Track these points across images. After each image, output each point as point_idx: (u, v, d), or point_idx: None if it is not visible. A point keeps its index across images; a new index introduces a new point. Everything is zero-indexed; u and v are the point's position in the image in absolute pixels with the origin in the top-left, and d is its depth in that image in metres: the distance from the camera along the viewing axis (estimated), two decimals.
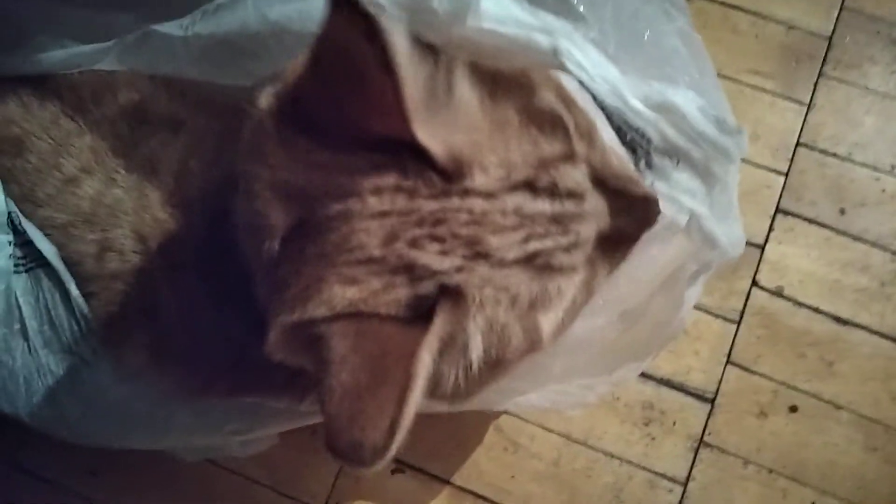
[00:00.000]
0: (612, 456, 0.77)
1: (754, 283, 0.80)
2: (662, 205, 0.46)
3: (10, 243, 0.54)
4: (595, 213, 0.40)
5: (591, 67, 0.42)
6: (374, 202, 0.36)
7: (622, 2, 0.64)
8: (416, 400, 0.33)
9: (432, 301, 0.36)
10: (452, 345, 0.37)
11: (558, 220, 0.38)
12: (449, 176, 0.36)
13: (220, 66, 0.52)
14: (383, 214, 0.36)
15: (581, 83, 0.42)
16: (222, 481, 0.76)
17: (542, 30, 0.42)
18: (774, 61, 0.86)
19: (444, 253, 0.37)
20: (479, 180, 0.37)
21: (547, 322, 0.40)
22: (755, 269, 0.80)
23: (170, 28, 0.50)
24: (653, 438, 0.77)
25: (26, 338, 0.54)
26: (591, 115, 0.42)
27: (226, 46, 0.50)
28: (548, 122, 0.39)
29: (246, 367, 0.48)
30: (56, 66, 0.55)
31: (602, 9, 0.64)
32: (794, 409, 0.77)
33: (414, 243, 0.36)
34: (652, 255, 0.57)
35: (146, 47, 0.51)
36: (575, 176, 0.39)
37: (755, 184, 0.84)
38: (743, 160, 0.80)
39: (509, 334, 0.39)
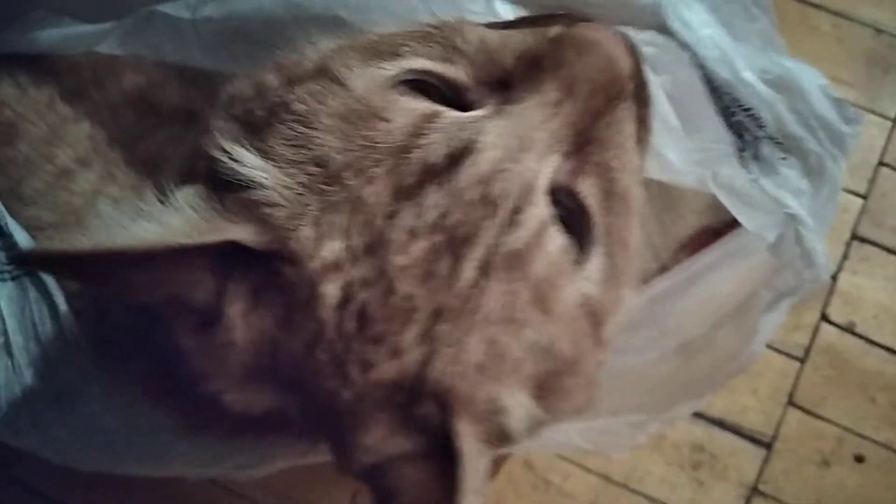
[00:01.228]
0: (655, 501, 0.70)
1: (823, 317, 0.73)
2: (746, 210, 0.39)
3: None
4: (516, 128, 0.32)
5: (699, 28, 0.35)
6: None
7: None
8: None
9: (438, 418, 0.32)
10: (490, 426, 0.33)
11: (470, 195, 0.32)
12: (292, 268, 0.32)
13: (233, 55, 0.46)
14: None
15: (686, 46, 0.34)
16: (225, 502, 0.70)
17: None
18: (857, 69, 0.78)
19: (395, 354, 0.32)
20: (325, 251, 0.32)
21: (566, 300, 0.33)
22: (825, 301, 0.73)
23: (176, 9, 0.44)
24: (701, 484, 0.70)
25: (10, 354, 0.48)
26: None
27: (239, 34, 0.44)
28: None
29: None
30: (53, 46, 0.49)
31: None
32: (860, 458, 0.70)
33: (364, 364, 0.32)
34: (719, 280, 0.50)
35: (150, 31, 0.45)
36: (446, 123, 0.33)
37: None
38: None
39: (534, 356, 0.33)
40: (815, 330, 0.73)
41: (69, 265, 0.33)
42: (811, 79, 0.36)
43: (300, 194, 0.32)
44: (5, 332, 0.48)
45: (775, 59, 0.36)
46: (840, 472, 0.70)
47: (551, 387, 0.34)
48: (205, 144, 0.36)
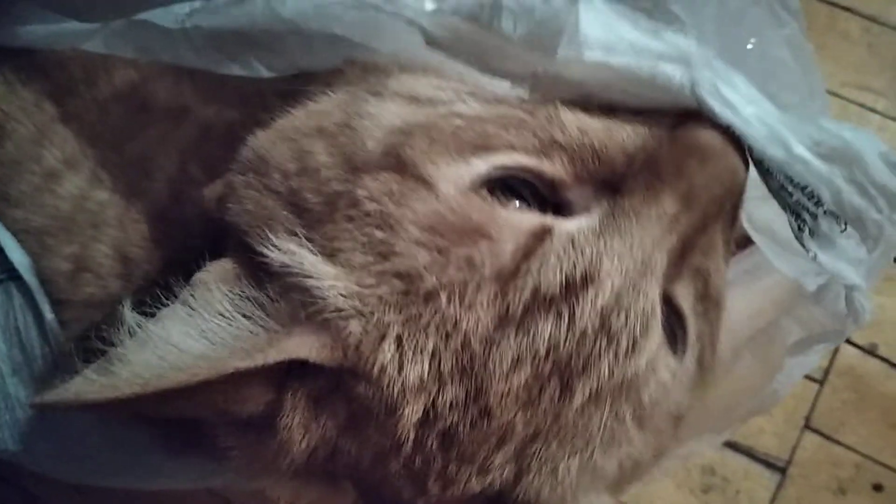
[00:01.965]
0: None
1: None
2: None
3: None
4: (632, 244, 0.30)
5: (742, 106, 0.30)
6: None
7: (726, 2, 0.53)
8: None
9: None
10: None
11: (589, 326, 0.29)
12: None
13: (228, 57, 0.43)
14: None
15: (729, 128, 0.31)
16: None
17: (671, 57, 0.31)
18: (888, 76, 0.75)
19: (483, 473, 0.30)
20: (410, 374, 0.29)
21: (662, 414, 0.32)
22: None
23: (163, 19, 0.41)
24: None
25: None
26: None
27: (234, 37, 0.41)
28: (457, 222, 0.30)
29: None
30: (37, 41, 0.47)
31: (703, 8, 0.53)
32: (878, 487, 0.68)
33: (447, 480, 0.30)
34: (734, 298, 0.47)
35: (138, 34, 0.43)
36: (559, 244, 0.30)
37: None
38: None
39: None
40: (836, 351, 0.70)
41: (115, 406, 0.30)
42: (869, 146, 0.32)
43: (380, 309, 0.29)
44: None
45: (829, 128, 0.33)
46: (857, 500, 0.68)
47: (630, 479, 0.34)
48: (233, 214, 0.32)
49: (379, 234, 0.29)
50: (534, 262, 0.29)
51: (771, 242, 0.36)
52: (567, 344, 0.29)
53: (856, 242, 0.32)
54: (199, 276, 0.31)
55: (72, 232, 0.44)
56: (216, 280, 0.30)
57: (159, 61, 0.48)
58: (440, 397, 0.29)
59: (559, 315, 0.29)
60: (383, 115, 0.32)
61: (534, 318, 0.28)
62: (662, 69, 0.30)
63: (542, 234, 0.29)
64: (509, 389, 0.29)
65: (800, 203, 0.31)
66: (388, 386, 0.29)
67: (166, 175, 0.45)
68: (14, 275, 0.46)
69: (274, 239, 0.30)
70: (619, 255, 0.29)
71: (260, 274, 0.30)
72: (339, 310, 0.29)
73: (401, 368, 0.29)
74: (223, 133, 0.44)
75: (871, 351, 0.70)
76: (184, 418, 0.40)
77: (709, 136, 0.31)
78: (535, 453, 0.29)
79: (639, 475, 0.33)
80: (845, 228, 0.31)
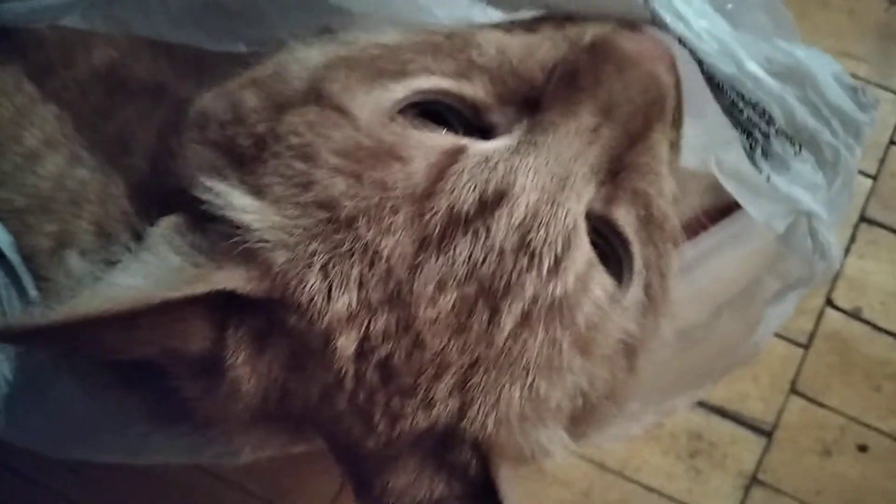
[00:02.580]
0: (651, 490, 0.69)
1: (828, 302, 0.71)
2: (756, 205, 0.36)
3: None
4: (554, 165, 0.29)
5: (694, 20, 0.31)
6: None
7: None
8: None
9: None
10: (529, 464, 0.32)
11: (507, 244, 0.29)
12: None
13: (206, 30, 0.43)
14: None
15: (681, 41, 0.31)
16: (212, 489, 0.69)
17: None
18: (869, 43, 0.75)
19: (427, 406, 0.30)
20: (338, 304, 0.29)
21: (607, 340, 0.32)
22: (830, 285, 0.71)
23: None
24: (698, 472, 0.69)
25: None
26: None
27: (211, 7, 0.41)
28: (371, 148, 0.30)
29: None
30: (16, 20, 0.47)
31: None
32: (863, 448, 0.68)
33: (392, 415, 0.31)
34: (720, 264, 0.48)
35: (116, 5, 0.43)
36: (473, 163, 0.30)
37: None
38: None
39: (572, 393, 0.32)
40: (820, 315, 0.70)
41: (44, 336, 0.30)
42: (823, 66, 0.32)
43: (303, 239, 0.29)
44: None
45: (782, 47, 0.33)
46: (842, 461, 0.68)
47: (586, 417, 0.33)
48: (179, 171, 0.33)
49: (300, 165, 0.30)
50: (447, 183, 0.29)
51: (739, 186, 0.35)
52: (487, 264, 0.29)
53: (811, 167, 0.32)
54: (149, 230, 0.32)
55: (52, 210, 0.45)
56: (163, 231, 0.31)
57: (137, 39, 0.49)
58: (372, 327, 0.29)
59: (476, 234, 0.29)
60: (309, 56, 0.33)
61: (452, 239, 0.28)
62: None
63: (456, 154, 0.29)
64: (438, 315, 0.29)
65: (751, 121, 0.32)
66: (318, 317, 0.29)
67: (145, 150, 0.45)
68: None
69: (208, 183, 0.31)
70: (534, 170, 0.29)
71: (201, 221, 0.31)
72: (265, 241, 0.29)
73: (329, 298, 0.29)
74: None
75: (855, 315, 0.70)
76: (138, 361, 0.41)
77: (630, 43, 0.30)
78: (475, 384, 0.29)
79: (597, 415, 0.33)
80: (799, 151, 0.32)
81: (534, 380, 0.30)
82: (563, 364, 0.30)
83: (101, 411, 0.46)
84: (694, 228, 0.48)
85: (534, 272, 0.29)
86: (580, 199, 0.30)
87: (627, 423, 0.53)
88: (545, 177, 0.29)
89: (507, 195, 0.29)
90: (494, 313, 0.29)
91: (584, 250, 0.30)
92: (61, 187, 0.45)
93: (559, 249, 0.29)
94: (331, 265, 0.29)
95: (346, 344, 0.29)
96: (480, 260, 0.29)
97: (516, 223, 0.29)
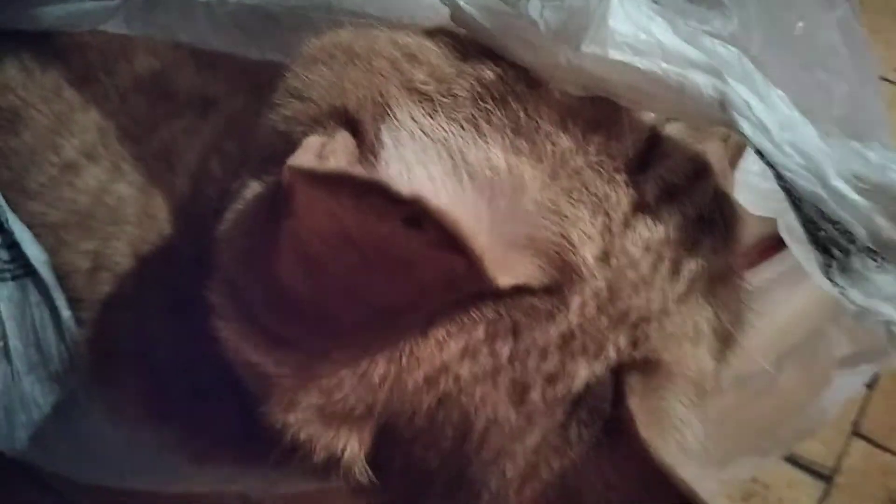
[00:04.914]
0: None
1: None
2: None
3: None
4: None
5: (778, 130, 0.27)
6: (469, 368, 0.27)
7: None
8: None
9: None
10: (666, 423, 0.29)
11: (697, 218, 0.30)
12: (554, 284, 0.27)
13: (251, 37, 0.42)
14: (493, 374, 0.27)
15: (759, 153, 0.28)
16: None
17: (704, 66, 0.28)
18: None
19: (598, 354, 0.28)
20: (587, 254, 0.27)
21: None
22: None
23: None
24: None
25: (9, 360, 0.46)
26: None
27: (259, 14, 0.40)
28: (589, 114, 0.29)
29: (260, 437, 0.38)
30: (56, 24, 0.46)
31: None
32: None
33: (552, 379, 0.27)
34: (774, 303, 0.45)
35: (160, 10, 0.41)
36: (678, 146, 0.31)
37: None
38: None
39: (703, 376, 0.31)
40: None
41: None
42: None
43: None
44: (4, 336, 0.45)
45: (875, 162, 0.30)
46: None
47: None
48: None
49: None
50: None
51: (802, 248, 0.33)
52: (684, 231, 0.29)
53: (893, 278, 0.29)
54: None
55: (90, 228, 0.43)
56: None
57: (179, 49, 0.47)
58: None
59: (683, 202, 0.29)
60: None
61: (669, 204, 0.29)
62: (692, 78, 0.27)
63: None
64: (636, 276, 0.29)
65: (831, 238, 0.28)
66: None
67: (188, 169, 0.43)
68: (30, 270, 0.45)
69: None
70: None
71: None
72: None
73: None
74: (248, 126, 0.43)
75: None
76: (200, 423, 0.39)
77: None
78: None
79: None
80: (880, 263, 0.28)
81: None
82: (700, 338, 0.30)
83: (132, 442, 0.44)
84: (755, 256, 0.45)
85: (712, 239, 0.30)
86: None
87: None
88: None
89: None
90: (675, 272, 0.29)
91: None
92: (100, 203, 0.44)
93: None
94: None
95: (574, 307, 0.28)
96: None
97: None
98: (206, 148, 0.43)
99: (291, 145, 0.27)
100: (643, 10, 0.28)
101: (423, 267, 0.25)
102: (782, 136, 0.27)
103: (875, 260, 0.28)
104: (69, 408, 0.45)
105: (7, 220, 0.45)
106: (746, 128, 0.27)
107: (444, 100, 0.28)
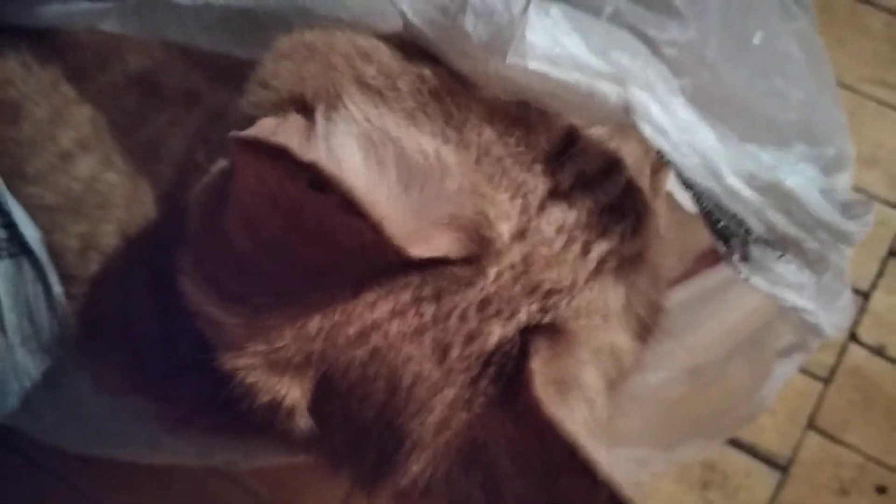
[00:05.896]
0: None
1: (853, 336, 0.69)
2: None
3: None
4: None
5: (676, 132, 0.31)
6: (398, 327, 0.30)
7: None
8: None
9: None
10: (568, 386, 0.31)
11: (608, 207, 0.33)
12: (472, 256, 0.30)
13: (237, 37, 0.44)
14: (418, 333, 0.30)
15: (660, 153, 0.31)
16: (220, 488, 0.70)
17: (610, 76, 0.31)
18: None
19: (511, 317, 0.31)
20: (503, 230, 0.31)
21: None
22: (855, 319, 0.69)
23: None
24: None
25: (4, 332, 0.48)
26: None
27: (244, 16, 0.42)
28: (513, 111, 0.32)
29: (233, 408, 0.41)
30: (56, 21, 0.48)
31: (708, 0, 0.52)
32: (882, 489, 0.66)
33: (471, 338, 0.30)
34: (729, 301, 0.47)
35: (151, 11, 0.44)
36: (593, 143, 0.34)
37: None
38: (856, 189, 0.68)
39: (615, 355, 0.33)
40: (843, 350, 0.69)
41: None
42: (808, 182, 0.32)
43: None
44: (0, 309, 0.48)
45: (767, 162, 0.33)
46: (859, 502, 0.66)
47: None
48: None
49: None
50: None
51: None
52: (593, 217, 0.32)
53: (796, 268, 0.32)
54: None
55: (81, 212, 0.46)
56: None
57: (171, 47, 0.50)
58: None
59: (595, 194, 0.33)
60: None
61: (582, 192, 0.32)
62: (600, 87, 0.30)
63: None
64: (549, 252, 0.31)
65: (729, 229, 0.31)
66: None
67: (174, 158, 0.46)
68: (25, 249, 0.47)
69: None
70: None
71: None
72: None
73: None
74: (228, 118, 0.46)
75: (879, 352, 0.69)
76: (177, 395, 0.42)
77: None
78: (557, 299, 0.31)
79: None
80: (782, 254, 0.31)
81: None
82: (612, 316, 0.33)
83: (115, 412, 0.47)
84: (715, 257, 0.47)
85: (621, 227, 0.33)
86: None
87: (636, 467, 0.52)
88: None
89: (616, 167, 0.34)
90: (585, 252, 0.32)
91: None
92: (91, 189, 0.46)
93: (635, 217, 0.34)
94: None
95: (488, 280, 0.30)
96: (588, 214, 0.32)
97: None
98: (190, 139, 0.46)
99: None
100: (560, 25, 0.31)
101: (337, 231, 0.28)
102: (680, 138, 0.30)
103: (775, 251, 0.31)
104: (58, 378, 0.48)
105: (6, 203, 0.48)
106: (647, 130, 0.30)
107: (389, 93, 0.32)
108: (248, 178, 0.28)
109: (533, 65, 0.30)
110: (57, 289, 0.46)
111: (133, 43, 0.49)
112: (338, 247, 0.28)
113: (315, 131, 0.29)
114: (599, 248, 0.32)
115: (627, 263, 0.33)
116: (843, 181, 0.51)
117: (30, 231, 0.47)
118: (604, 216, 0.33)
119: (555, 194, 0.32)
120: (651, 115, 0.30)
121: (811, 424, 0.68)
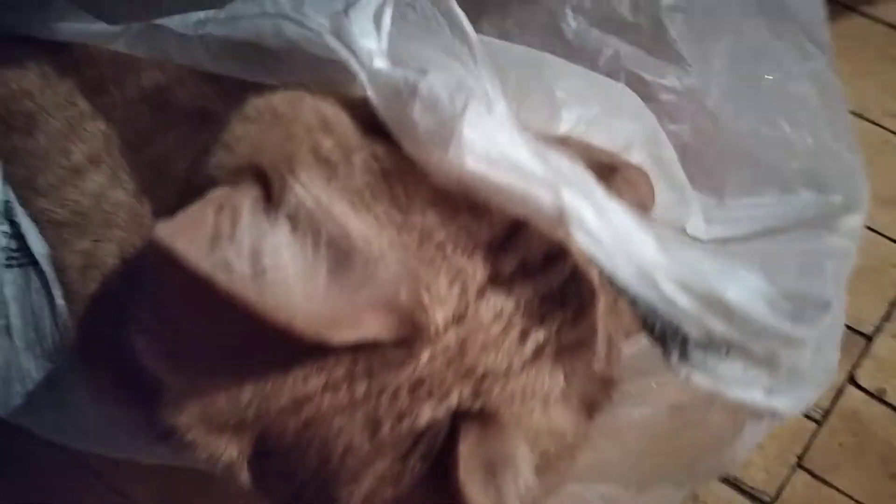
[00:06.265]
0: None
1: (851, 379, 0.68)
2: None
3: (3, 234, 0.50)
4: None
5: (611, 240, 0.30)
6: (330, 401, 0.31)
7: (744, 35, 0.51)
8: None
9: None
10: (497, 468, 0.32)
11: (550, 294, 0.33)
12: (404, 339, 0.31)
13: (244, 64, 0.45)
14: (350, 407, 0.31)
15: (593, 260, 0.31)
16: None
17: (545, 181, 0.30)
18: None
19: (442, 400, 0.32)
20: (438, 316, 0.31)
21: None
22: (855, 362, 0.67)
23: (178, 25, 0.43)
24: None
25: (10, 336, 0.51)
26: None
27: (247, 45, 0.43)
28: (459, 197, 0.33)
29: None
30: (72, 39, 0.49)
31: (714, 43, 0.52)
32: None
33: (401, 417, 0.31)
34: None
35: (155, 38, 0.45)
36: (537, 232, 0.34)
37: (880, 259, 0.70)
38: (870, 228, 0.66)
39: (554, 435, 0.34)
40: (840, 391, 0.68)
41: None
42: (751, 293, 0.31)
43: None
44: (7, 315, 0.50)
45: (707, 271, 0.31)
46: None
47: (549, 466, 0.35)
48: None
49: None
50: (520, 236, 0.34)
51: None
52: (535, 304, 0.33)
53: (745, 367, 0.31)
54: None
55: (86, 229, 0.47)
56: None
57: (183, 64, 0.50)
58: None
59: (538, 281, 0.33)
60: None
61: (517, 281, 0.32)
62: (535, 192, 0.30)
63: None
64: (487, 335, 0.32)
65: (666, 332, 0.31)
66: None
67: (179, 179, 0.47)
68: (33, 260, 0.49)
69: None
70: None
71: None
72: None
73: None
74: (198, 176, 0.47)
75: (878, 396, 0.68)
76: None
77: (634, 173, 0.37)
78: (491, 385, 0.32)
79: (562, 469, 0.36)
80: (727, 353, 0.31)
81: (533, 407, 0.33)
82: (552, 399, 0.33)
83: (112, 418, 0.49)
84: None
85: (563, 315, 0.33)
86: None
87: None
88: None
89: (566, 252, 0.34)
90: (523, 341, 0.33)
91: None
92: (98, 207, 0.47)
93: (579, 303, 0.34)
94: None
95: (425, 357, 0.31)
96: (532, 298, 0.32)
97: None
98: (199, 154, 0.47)
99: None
100: (501, 125, 0.31)
101: (254, 318, 0.29)
102: (616, 247, 0.30)
103: (719, 351, 0.31)
104: (58, 382, 0.50)
105: (17, 215, 0.50)
106: (582, 239, 0.30)
107: (343, 168, 0.33)
108: (161, 270, 0.30)
109: (470, 163, 0.30)
110: (60, 302, 0.48)
111: (149, 58, 0.50)
112: (261, 329, 0.29)
113: (277, 205, 0.30)
114: (537, 336, 0.33)
115: (568, 349, 0.34)
116: (853, 223, 0.50)
117: (37, 246, 0.48)
118: (545, 304, 0.33)
119: (495, 281, 0.32)
120: (585, 222, 0.30)
121: (800, 464, 0.67)
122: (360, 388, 0.31)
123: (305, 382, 0.31)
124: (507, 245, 0.33)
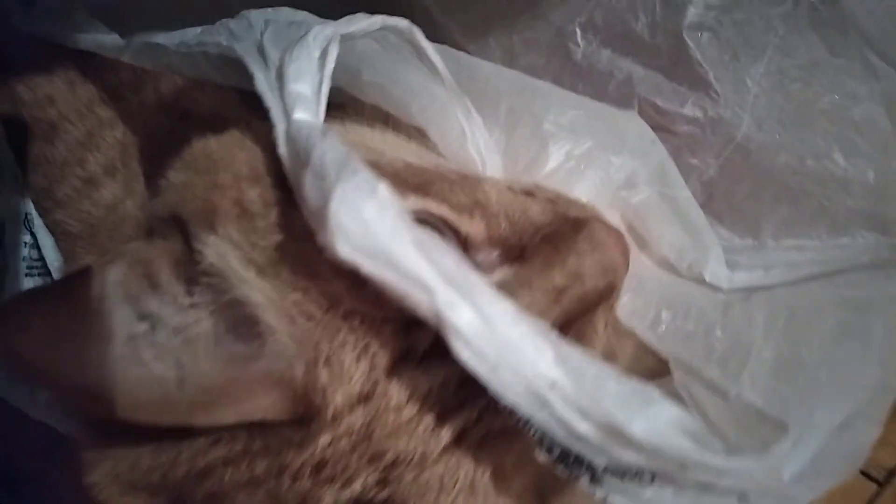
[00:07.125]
0: None
1: None
2: None
3: (25, 244, 0.52)
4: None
5: (494, 352, 0.25)
6: (231, 476, 0.30)
7: (790, 54, 0.43)
8: None
9: None
10: None
11: (469, 378, 0.28)
12: (299, 419, 0.29)
13: (247, 77, 0.44)
14: (252, 484, 0.30)
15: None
16: None
17: (419, 281, 0.26)
18: None
19: (345, 485, 0.30)
20: (339, 395, 0.29)
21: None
22: None
23: (174, 44, 0.42)
24: None
25: None
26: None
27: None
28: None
29: None
30: (91, 49, 0.49)
31: (750, 65, 0.43)
32: None
33: (303, 499, 0.30)
34: None
35: (159, 51, 0.44)
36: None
37: None
38: None
39: None
40: None
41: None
42: (665, 425, 0.25)
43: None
44: None
45: (609, 400, 0.26)
46: None
47: None
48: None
49: None
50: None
51: None
52: (449, 389, 0.30)
53: (673, 491, 0.26)
54: None
55: (94, 241, 0.47)
56: None
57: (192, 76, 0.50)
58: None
59: (446, 363, 0.29)
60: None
61: (439, 359, 0.29)
62: (412, 292, 0.26)
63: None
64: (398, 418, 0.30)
65: (567, 456, 0.26)
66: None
67: None
68: (50, 272, 0.52)
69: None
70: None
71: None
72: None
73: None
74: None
75: None
76: None
77: (602, 230, 0.34)
78: (401, 473, 0.30)
79: None
80: (652, 479, 0.26)
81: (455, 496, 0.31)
82: (478, 489, 0.31)
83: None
84: None
85: (483, 400, 0.30)
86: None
87: None
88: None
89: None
90: (439, 427, 0.30)
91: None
92: (108, 217, 0.47)
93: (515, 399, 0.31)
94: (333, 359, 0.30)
95: (325, 439, 0.30)
96: (444, 383, 0.30)
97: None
98: None
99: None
100: (383, 209, 0.26)
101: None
102: (502, 360, 0.25)
103: (639, 478, 0.26)
104: None
105: (35, 227, 0.52)
106: (461, 350, 0.26)
107: (260, 222, 0.31)
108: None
109: (345, 251, 0.26)
110: None
111: None
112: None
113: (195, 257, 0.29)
114: (456, 422, 0.30)
115: (498, 435, 0.30)
116: None
117: (51, 257, 0.49)
118: (465, 386, 0.29)
119: (407, 358, 0.30)
120: (463, 331, 0.25)
121: None
122: (261, 465, 0.30)
123: (205, 454, 0.30)
124: (421, 320, 0.29)
